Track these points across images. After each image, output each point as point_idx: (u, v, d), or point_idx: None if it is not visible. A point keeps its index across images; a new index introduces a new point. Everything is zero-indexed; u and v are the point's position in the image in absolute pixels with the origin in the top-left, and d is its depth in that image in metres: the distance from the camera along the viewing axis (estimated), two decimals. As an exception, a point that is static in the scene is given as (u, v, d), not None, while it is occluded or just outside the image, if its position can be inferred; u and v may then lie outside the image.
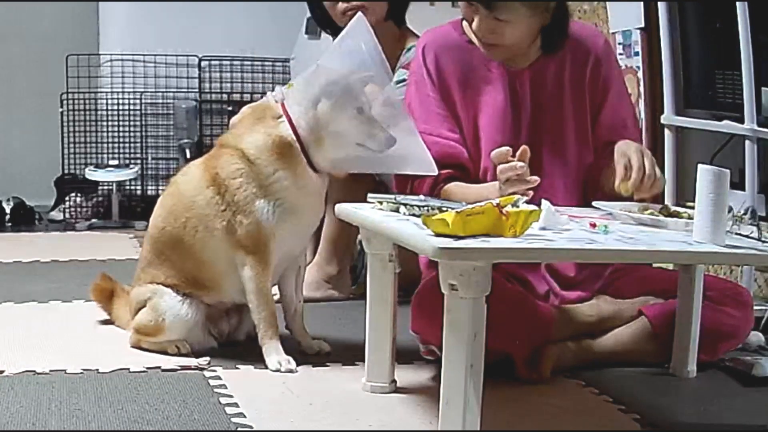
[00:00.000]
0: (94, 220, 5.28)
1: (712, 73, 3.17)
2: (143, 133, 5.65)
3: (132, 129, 5.65)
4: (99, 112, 5.65)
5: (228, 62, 5.72)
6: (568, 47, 2.63)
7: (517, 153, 2.30)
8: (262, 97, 2.78)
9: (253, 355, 2.58)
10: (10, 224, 5.20)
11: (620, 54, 3.72)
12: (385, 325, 2.35)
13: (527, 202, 2.08)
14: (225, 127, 3.27)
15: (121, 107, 5.63)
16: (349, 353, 2.65)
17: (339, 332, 2.94)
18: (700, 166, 2.02)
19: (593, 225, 2.12)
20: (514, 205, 1.98)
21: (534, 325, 2.50)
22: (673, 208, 2.35)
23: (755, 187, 2.93)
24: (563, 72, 2.64)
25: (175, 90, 5.67)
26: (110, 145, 5.64)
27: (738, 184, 2.88)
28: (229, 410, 2.22)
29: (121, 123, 5.64)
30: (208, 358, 2.59)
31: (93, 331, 2.92)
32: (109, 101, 5.62)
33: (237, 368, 2.55)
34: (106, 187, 5.45)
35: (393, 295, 2.35)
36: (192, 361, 2.57)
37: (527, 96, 2.63)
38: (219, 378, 2.46)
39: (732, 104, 3.03)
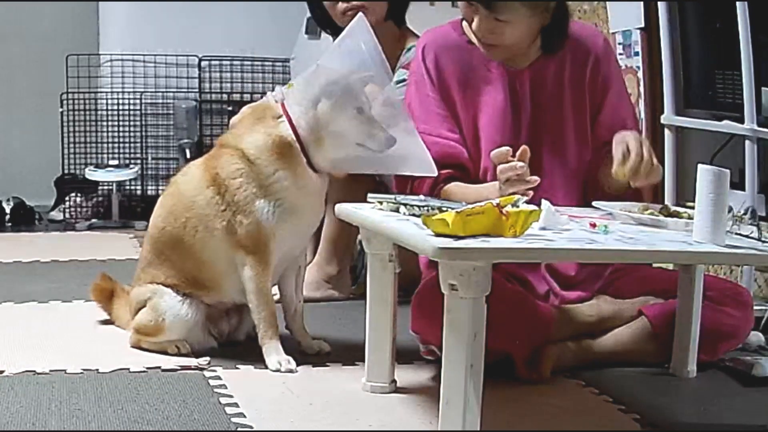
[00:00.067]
0: (94, 220, 5.28)
1: (712, 73, 3.17)
2: (143, 133, 5.65)
3: (132, 129, 5.65)
4: (99, 112, 5.65)
5: (228, 62, 5.72)
6: (568, 47, 2.63)
7: (517, 153, 2.30)
8: (262, 97, 2.78)
9: (253, 355, 2.58)
10: (10, 224, 5.20)
11: (620, 54, 3.72)
12: (385, 325, 2.35)
13: (527, 202, 2.08)
14: (225, 127, 3.27)
15: (121, 107, 5.63)
16: (349, 353, 2.65)
17: (339, 332, 2.94)
18: (700, 166, 2.02)
19: (593, 225, 2.12)
20: (514, 205, 1.98)
21: (534, 325, 2.50)
22: (673, 208, 2.35)
23: (755, 187, 2.93)
24: (563, 72, 2.64)
25: (175, 90, 5.67)
26: (110, 145, 5.64)
27: (738, 184, 2.88)
28: (229, 410, 2.22)
29: (121, 123, 5.64)
30: (208, 358, 2.59)
31: (93, 331, 2.92)
32: (109, 101, 5.62)
33: (237, 368, 2.55)
34: (106, 187, 5.45)
35: (393, 295, 2.35)
36: (192, 361, 2.57)
37: (527, 96, 2.63)
38: (219, 378, 2.46)
39: (732, 104, 3.03)
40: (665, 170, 3.38)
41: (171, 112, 5.64)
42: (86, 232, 5.14)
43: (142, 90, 5.62)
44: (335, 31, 3.43)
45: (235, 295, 2.66)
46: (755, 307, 2.73)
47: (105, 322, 2.97)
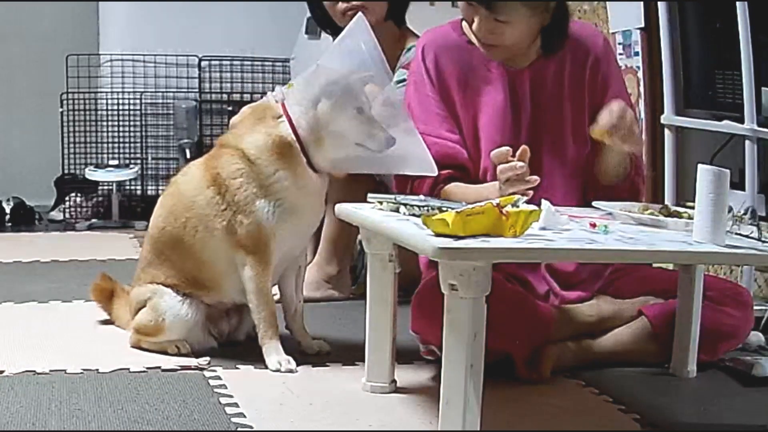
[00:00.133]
0: (94, 220, 5.28)
1: (712, 73, 3.17)
2: (143, 133, 5.65)
3: (132, 129, 5.65)
4: (99, 112, 5.65)
5: (228, 62, 5.72)
6: (567, 47, 2.63)
7: (517, 153, 2.31)
8: (262, 97, 2.78)
9: (253, 355, 2.58)
10: (10, 224, 5.20)
11: (620, 54, 3.72)
12: (385, 325, 2.35)
13: (527, 202, 2.08)
14: (225, 127, 3.28)
15: (121, 107, 5.63)
16: (349, 353, 2.65)
17: (339, 332, 2.94)
18: (700, 166, 2.02)
19: (593, 225, 2.12)
20: (514, 205, 1.98)
21: (534, 325, 2.50)
22: (673, 208, 2.35)
23: (755, 187, 2.93)
24: (563, 72, 2.64)
25: (175, 90, 5.67)
26: (110, 145, 5.63)
27: (738, 184, 2.88)
28: (229, 410, 2.22)
29: (121, 123, 5.64)
30: (208, 358, 2.59)
31: (93, 331, 2.92)
32: (109, 101, 5.62)
33: (237, 368, 2.55)
34: (106, 187, 5.45)
35: (393, 295, 2.35)
36: (192, 361, 2.57)
37: (527, 96, 2.63)
38: (219, 378, 2.46)
39: (732, 104, 3.03)
40: (665, 170, 3.39)
41: (171, 112, 5.64)
42: (86, 232, 5.14)
43: (142, 90, 5.62)
44: (335, 31, 3.43)
45: (235, 295, 2.66)
46: (755, 307, 2.73)
47: (105, 322, 2.97)
